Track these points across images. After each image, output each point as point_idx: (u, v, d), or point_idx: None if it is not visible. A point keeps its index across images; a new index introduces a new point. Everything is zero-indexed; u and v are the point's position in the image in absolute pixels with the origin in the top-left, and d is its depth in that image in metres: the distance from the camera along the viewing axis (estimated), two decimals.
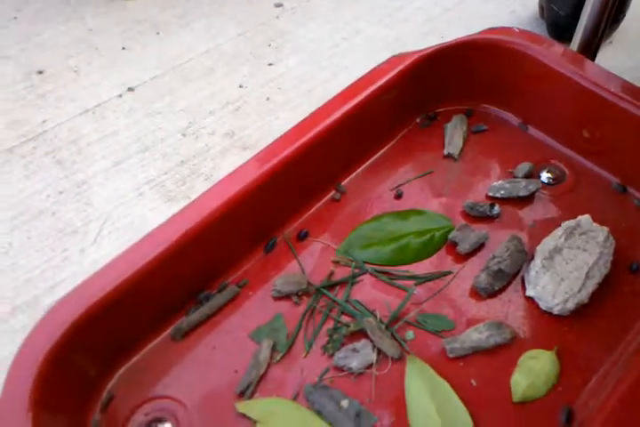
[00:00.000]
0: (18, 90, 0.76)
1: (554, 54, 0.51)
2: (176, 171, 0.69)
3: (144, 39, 0.82)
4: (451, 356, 0.43)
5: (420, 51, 0.50)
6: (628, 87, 0.50)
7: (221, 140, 0.72)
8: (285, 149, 0.45)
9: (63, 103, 0.75)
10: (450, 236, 0.48)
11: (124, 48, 0.81)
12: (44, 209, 0.66)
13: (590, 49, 0.55)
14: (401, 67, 0.49)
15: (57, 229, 0.64)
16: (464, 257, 0.49)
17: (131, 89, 0.77)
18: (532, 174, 0.53)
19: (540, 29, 0.79)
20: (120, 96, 0.76)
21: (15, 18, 0.84)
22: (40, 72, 0.79)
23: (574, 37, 0.55)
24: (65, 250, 0.63)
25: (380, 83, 0.48)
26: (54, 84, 0.77)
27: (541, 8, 0.81)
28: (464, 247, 0.48)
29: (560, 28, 0.74)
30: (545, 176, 0.53)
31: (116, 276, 0.39)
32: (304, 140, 0.45)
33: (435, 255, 0.49)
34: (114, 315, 0.40)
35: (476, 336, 0.44)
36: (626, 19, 0.79)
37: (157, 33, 0.83)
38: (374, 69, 0.49)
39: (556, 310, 0.44)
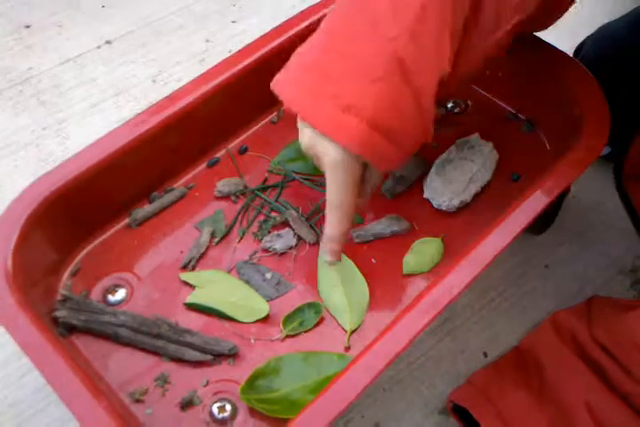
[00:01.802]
0: (7, 41, 0.85)
1: None
2: None
3: None
4: (356, 241, 0.53)
5: None
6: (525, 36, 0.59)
7: None
8: (222, 74, 0.55)
9: (47, 53, 0.84)
10: None
11: (103, 6, 0.90)
12: (29, 142, 0.75)
13: None
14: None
15: (40, 159, 0.74)
16: None
17: (108, 42, 0.86)
18: (438, 104, 0.62)
19: None
20: (99, 48, 0.85)
21: None
22: (27, 26, 0.87)
23: None
24: None
25: (308, 21, 0.57)
26: (40, 37, 0.86)
27: None
28: None
29: None
30: (450, 106, 0.63)
31: (78, 166, 0.48)
32: (241, 66, 0.55)
33: None
34: (80, 201, 0.49)
35: (379, 226, 0.54)
36: None
37: None
38: (308, 8, 0.59)
39: (444, 207, 0.54)
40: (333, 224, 0.44)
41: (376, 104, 0.38)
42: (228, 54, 0.85)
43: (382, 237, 0.54)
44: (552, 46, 0.56)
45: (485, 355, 0.60)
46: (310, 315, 0.50)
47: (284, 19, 0.80)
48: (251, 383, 0.45)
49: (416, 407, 0.57)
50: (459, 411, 0.54)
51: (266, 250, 0.53)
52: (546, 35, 0.58)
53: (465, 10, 0.40)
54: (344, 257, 0.53)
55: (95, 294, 0.50)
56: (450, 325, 0.61)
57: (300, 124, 0.43)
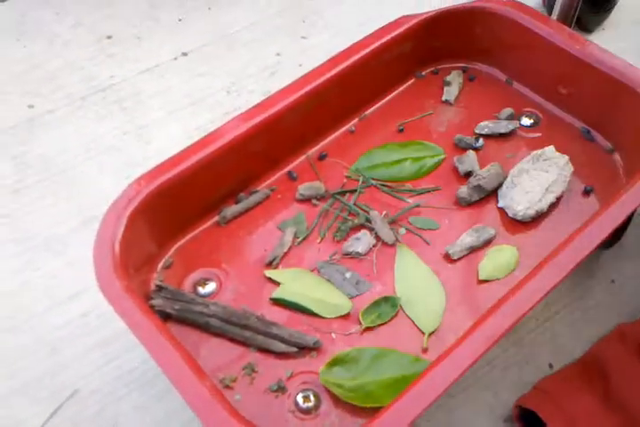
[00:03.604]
0: (90, 51, 0.90)
1: (536, 20, 0.62)
2: (221, 120, 0.81)
3: (197, 13, 0.95)
4: (454, 258, 0.55)
5: (426, 12, 0.63)
6: (597, 50, 0.61)
7: (259, 97, 0.84)
8: (305, 87, 0.57)
9: (127, 63, 0.89)
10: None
11: (180, 20, 0.95)
12: (110, 146, 0.80)
13: (567, 20, 0.67)
14: (410, 23, 0.61)
15: (122, 162, 0.78)
16: (459, 179, 0.60)
17: (184, 54, 0.90)
18: (513, 118, 0.64)
19: None
20: (175, 59, 0.90)
21: None
22: (109, 37, 0.92)
23: (554, 9, 0.67)
24: (128, 177, 0.76)
25: (388, 37, 0.60)
26: (120, 48, 0.91)
27: None
28: (463, 168, 0.60)
29: None
30: (525, 121, 0.64)
31: (177, 165, 0.51)
32: (325, 77, 0.58)
33: (429, 175, 0.61)
34: (176, 199, 0.53)
35: (470, 239, 0.55)
36: (619, 8, 0.90)
37: (209, 8, 0.96)
38: (386, 25, 0.62)
39: (519, 216, 0.56)
40: None
41: None
42: (299, 68, 0.89)
43: (477, 249, 0.55)
44: (632, 66, 0.57)
45: (551, 366, 0.60)
46: (387, 308, 0.52)
47: (351, 36, 0.84)
48: (330, 367, 0.48)
49: (481, 415, 0.58)
50: (524, 419, 0.55)
51: (347, 254, 0.55)
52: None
53: None
54: (419, 261, 0.55)
55: (186, 287, 0.53)
56: (515, 335, 0.62)
57: None
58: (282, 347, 0.49)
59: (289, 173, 0.61)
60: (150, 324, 0.42)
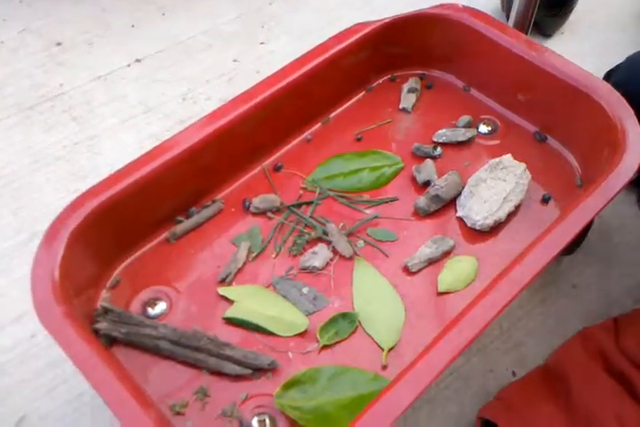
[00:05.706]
0: (39, 58, 0.87)
1: (492, 28, 0.62)
2: (175, 128, 0.79)
3: (151, 19, 0.93)
4: (413, 270, 0.53)
5: (381, 19, 0.61)
6: (553, 56, 0.60)
7: (216, 104, 0.82)
8: (259, 95, 0.55)
9: (78, 70, 0.86)
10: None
11: (133, 26, 0.92)
12: (60, 157, 0.76)
13: (524, 25, 0.66)
14: (365, 31, 0.60)
15: (71, 173, 0.75)
16: (417, 188, 0.59)
17: (138, 60, 0.88)
18: (470, 126, 0.63)
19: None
20: (129, 66, 0.87)
21: None
22: (59, 44, 0.89)
23: (510, 14, 0.66)
24: (77, 190, 0.73)
25: (342, 45, 0.58)
26: (71, 54, 0.88)
27: (502, 1, 0.92)
28: (421, 178, 0.59)
29: None
30: (483, 128, 0.64)
31: (120, 182, 0.49)
32: (280, 85, 0.56)
33: (387, 185, 0.59)
34: (121, 216, 0.50)
35: (428, 250, 0.54)
36: (577, 12, 0.90)
37: (163, 14, 0.94)
38: (340, 33, 0.60)
39: (478, 226, 0.55)
40: None
41: None
42: (256, 74, 0.87)
43: (437, 260, 0.54)
44: (588, 73, 0.57)
45: (514, 374, 0.60)
46: (345, 324, 0.50)
47: (311, 41, 0.82)
48: (286, 389, 0.46)
49: (446, 426, 0.57)
50: None
51: (305, 269, 0.53)
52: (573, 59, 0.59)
53: None
54: (378, 274, 0.53)
55: (134, 307, 0.51)
56: (478, 344, 0.61)
57: None
58: (236, 369, 0.47)
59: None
60: (91, 352, 0.40)
